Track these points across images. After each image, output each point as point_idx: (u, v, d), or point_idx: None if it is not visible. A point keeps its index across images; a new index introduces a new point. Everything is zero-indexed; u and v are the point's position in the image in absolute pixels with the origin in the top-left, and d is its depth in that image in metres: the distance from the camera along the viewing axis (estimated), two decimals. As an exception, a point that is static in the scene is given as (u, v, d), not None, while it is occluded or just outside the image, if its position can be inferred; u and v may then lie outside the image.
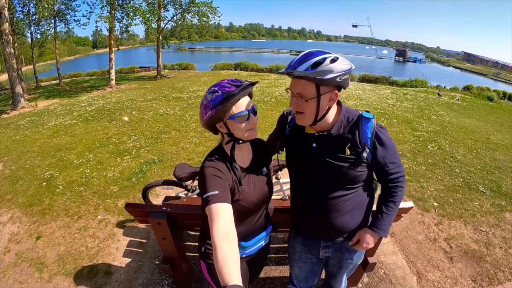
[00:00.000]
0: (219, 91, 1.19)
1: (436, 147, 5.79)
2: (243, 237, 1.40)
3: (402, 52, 76.72)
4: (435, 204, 3.77)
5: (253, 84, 1.23)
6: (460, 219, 3.48)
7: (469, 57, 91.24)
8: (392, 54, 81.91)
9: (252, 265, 1.54)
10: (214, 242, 1.02)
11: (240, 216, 1.33)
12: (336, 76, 1.14)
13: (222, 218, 1.09)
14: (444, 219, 3.48)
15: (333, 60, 1.14)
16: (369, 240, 1.43)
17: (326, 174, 1.33)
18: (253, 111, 1.26)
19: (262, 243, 1.52)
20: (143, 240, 3.12)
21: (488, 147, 6.01)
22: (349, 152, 1.29)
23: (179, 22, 18.66)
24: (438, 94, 13.96)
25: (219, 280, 0.93)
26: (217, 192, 1.14)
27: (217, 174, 1.22)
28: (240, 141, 1.30)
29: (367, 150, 1.28)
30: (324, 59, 1.13)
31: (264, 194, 1.42)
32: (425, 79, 19.01)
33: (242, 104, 1.22)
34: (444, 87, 18.56)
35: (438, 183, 4.31)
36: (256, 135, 1.31)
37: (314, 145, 1.35)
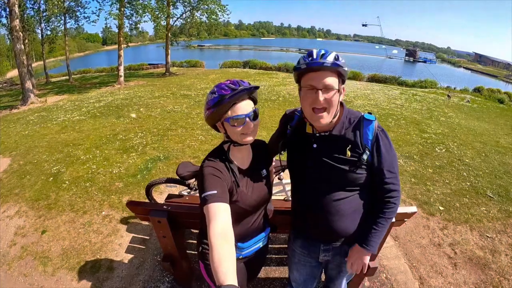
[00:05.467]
0: (216, 93, 1.19)
1: (444, 150, 5.70)
2: (240, 238, 1.39)
3: (412, 52, 75.64)
4: (441, 208, 3.71)
5: (249, 89, 1.20)
6: (466, 224, 3.42)
7: (480, 58, 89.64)
8: (402, 54, 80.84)
9: (249, 266, 1.53)
10: (210, 241, 1.02)
11: (238, 217, 1.32)
12: (347, 70, 1.24)
13: (220, 217, 1.09)
14: (449, 224, 3.42)
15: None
16: (362, 259, 1.43)
17: (326, 175, 1.33)
18: (251, 116, 1.23)
19: (260, 244, 1.52)
20: (146, 237, 3.15)
21: (497, 151, 5.89)
22: (349, 154, 1.27)
23: (188, 20, 18.69)
24: (448, 96, 13.73)
25: (215, 279, 0.93)
26: (215, 191, 1.15)
27: (216, 174, 1.22)
28: (236, 144, 1.30)
29: (367, 152, 1.27)
30: (337, 54, 1.20)
31: (262, 196, 1.42)
32: (435, 80, 18.71)
33: (238, 108, 1.20)
34: (454, 88, 18.24)
35: (444, 187, 4.24)
36: (252, 140, 1.30)
37: (314, 145, 1.34)
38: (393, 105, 9.91)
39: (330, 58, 1.17)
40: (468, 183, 4.38)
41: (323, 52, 1.19)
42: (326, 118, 1.25)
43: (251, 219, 1.43)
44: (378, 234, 1.36)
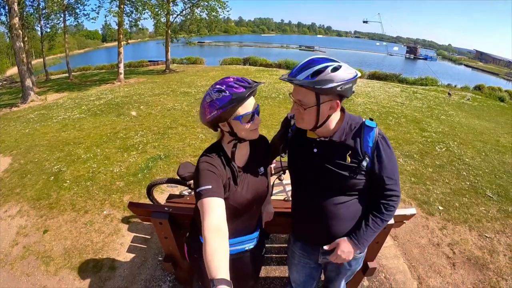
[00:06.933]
0: (227, 91, 1.16)
1: (444, 149, 5.70)
2: None
3: (412, 49, 75.26)
4: (441, 208, 3.73)
5: (259, 84, 1.23)
6: (465, 224, 3.44)
7: (481, 56, 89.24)
8: (403, 51, 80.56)
9: (236, 269, 1.51)
10: (204, 235, 1.03)
11: (228, 215, 1.32)
12: (337, 86, 1.13)
13: (214, 212, 1.10)
14: (448, 224, 3.44)
15: (335, 69, 1.13)
16: (345, 249, 1.37)
17: (326, 180, 1.34)
18: (257, 111, 1.26)
19: (246, 246, 1.49)
20: (147, 236, 3.17)
21: (497, 150, 5.90)
22: (349, 160, 1.28)
23: (188, 16, 18.70)
24: (448, 94, 13.73)
25: (207, 273, 0.93)
26: (210, 186, 1.15)
27: (211, 169, 1.22)
28: (242, 141, 1.31)
29: (367, 159, 1.28)
30: (326, 67, 1.13)
31: (256, 195, 1.41)
32: (435, 78, 18.71)
33: (248, 105, 1.21)
34: (455, 86, 18.26)
35: (444, 186, 4.25)
36: (258, 134, 1.32)
37: (315, 150, 1.35)
38: (393, 103, 9.91)
39: (303, 75, 1.15)
40: (468, 183, 4.39)
41: (303, 66, 1.17)
42: (302, 124, 1.30)
43: (240, 219, 1.41)
44: (372, 233, 1.36)
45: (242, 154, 1.40)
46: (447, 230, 3.34)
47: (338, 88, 1.14)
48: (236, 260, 1.48)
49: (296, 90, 1.22)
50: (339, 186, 1.33)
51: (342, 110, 1.35)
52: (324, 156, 1.33)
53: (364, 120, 1.34)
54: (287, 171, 1.95)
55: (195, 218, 1.34)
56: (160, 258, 2.84)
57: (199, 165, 1.24)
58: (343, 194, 1.34)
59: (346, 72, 1.15)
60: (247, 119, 1.22)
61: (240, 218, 1.41)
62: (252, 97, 1.24)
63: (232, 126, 1.25)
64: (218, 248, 0.99)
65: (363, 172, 1.29)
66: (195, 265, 1.53)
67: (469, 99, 12.94)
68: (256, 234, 1.54)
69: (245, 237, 1.48)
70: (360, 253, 1.53)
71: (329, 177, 1.32)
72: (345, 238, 1.39)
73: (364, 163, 1.27)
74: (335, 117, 1.30)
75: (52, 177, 4.40)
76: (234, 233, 1.42)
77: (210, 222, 1.06)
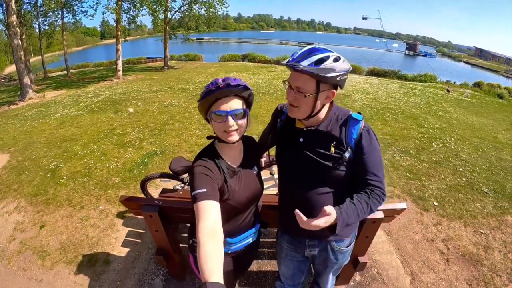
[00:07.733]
0: (206, 87, 1.21)
1: (441, 145, 5.70)
2: (230, 234, 1.41)
3: (412, 45, 75.01)
4: (436, 203, 3.73)
5: (233, 87, 1.17)
6: (460, 220, 3.44)
7: (481, 53, 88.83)
8: (402, 48, 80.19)
9: (238, 261, 1.55)
10: (198, 238, 1.04)
11: (228, 215, 1.34)
12: (337, 76, 1.17)
13: (209, 215, 1.10)
14: (443, 220, 3.44)
15: (336, 59, 1.17)
16: (322, 221, 1.11)
17: (310, 170, 1.34)
18: (234, 114, 1.22)
19: (249, 240, 1.53)
20: (141, 231, 3.19)
21: (494, 147, 5.89)
22: (333, 150, 1.29)
23: (186, 13, 18.58)
24: (447, 90, 13.70)
25: (201, 276, 0.95)
26: (205, 190, 1.16)
27: (206, 173, 1.23)
28: (220, 140, 1.31)
29: (350, 150, 1.28)
30: (328, 57, 1.16)
31: (254, 193, 1.43)
32: (434, 74, 18.63)
33: (221, 104, 1.21)
34: (454, 83, 18.18)
35: (440, 182, 4.26)
36: (236, 140, 1.27)
37: (301, 139, 1.36)
38: (391, 99, 9.89)
39: (306, 62, 1.14)
40: (464, 179, 4.39)
41: (306, 53, 1.17)
42: (296, 113, 1.29)
43: (242, 216, 1.44)
44: (353, 212, 1.20)
45: (235, 155, 1.41)
46: (442, 226, 3.35)
47: (338, 78, 1.18)
48: (240, 255, 1.54)
49: (295, 76, 1.21)
50: (323, 176, 1.33)
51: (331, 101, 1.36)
52: (309, 146, 1.33)
53: (351, 113, 1.35)
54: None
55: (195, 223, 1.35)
56: (154, 252, 2.86)
57: (194, 169, 1.25)
58: (327, 185, 1.34)
59: (344, 63, 1.19)
60: (217, 118, 1.23)
61: (242, 216, 1.44)
62: (235, 100, 1.23)
63: (211, 122, 1.28)
64: (212, 251, 1.00)
65: (345, 163, 1.29)
66: None
67: (467, 95, 12.92)
68: (257, 227, 1.57)
69: (248, 232, 1.51)
70: (348, 246, 1.54)
71: (313, 168, 1.32)
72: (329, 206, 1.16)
73: (347, 154, 1.27)
74: (325, 107, 1.31)
75: (49, 174, 4.41)
76: (239, 230, 1.46)
77: (205, 225, 1.07)
